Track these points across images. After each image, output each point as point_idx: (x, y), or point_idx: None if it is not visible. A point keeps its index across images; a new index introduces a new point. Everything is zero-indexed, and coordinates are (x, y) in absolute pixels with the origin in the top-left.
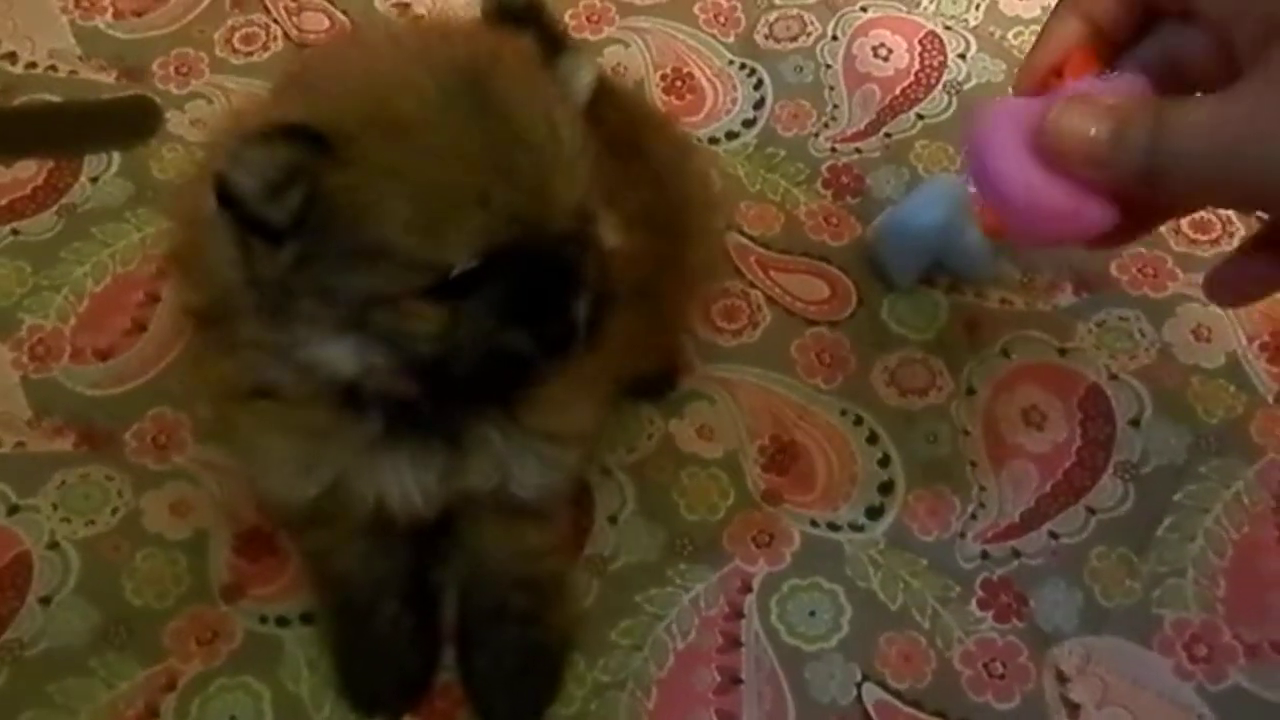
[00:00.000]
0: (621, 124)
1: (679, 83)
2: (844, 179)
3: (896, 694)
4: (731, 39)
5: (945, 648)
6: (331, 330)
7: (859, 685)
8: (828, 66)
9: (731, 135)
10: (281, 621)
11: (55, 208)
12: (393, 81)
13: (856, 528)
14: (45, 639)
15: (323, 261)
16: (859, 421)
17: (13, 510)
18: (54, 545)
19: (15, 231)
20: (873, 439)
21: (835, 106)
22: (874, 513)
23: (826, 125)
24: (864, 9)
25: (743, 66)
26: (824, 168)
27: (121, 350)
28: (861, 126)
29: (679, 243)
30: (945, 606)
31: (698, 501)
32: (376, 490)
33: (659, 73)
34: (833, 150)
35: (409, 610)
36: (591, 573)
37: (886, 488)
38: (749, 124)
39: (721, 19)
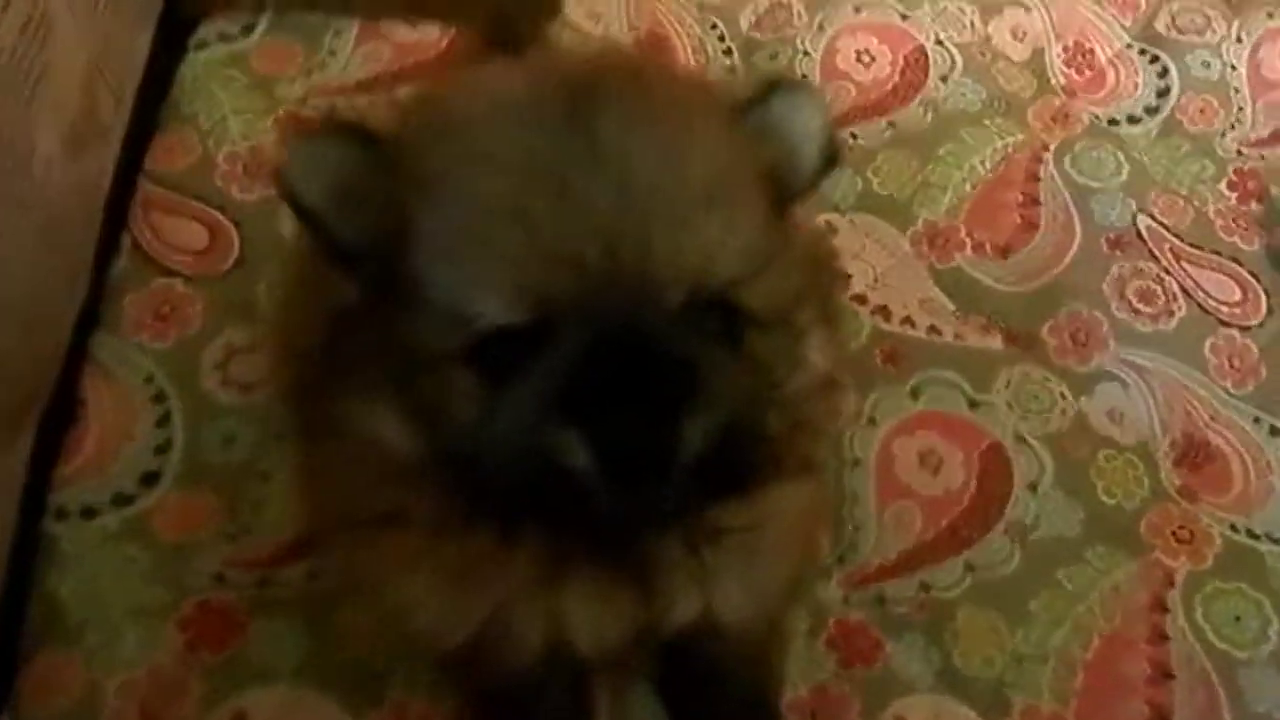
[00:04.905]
0: None
1: (1080, 58)
2: (1249, 184)
3: None
4: (1129, 22)
5: None
6: (381, 399)
7: None
8: (1233, 68)
9: (1133, 120)
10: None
11: None
12: (476, 89)
13: (1275, 540)
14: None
15: (384, 306)
16: (1275, 433)
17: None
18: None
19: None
20: None
21: (1240, 109)
22: None
23: (1233, 126)
24: (1270, 15)
25: (1143, 52)
26: (1230, 169)
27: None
28: (1265, 134)
29: None
30: None
31: (1114, 485)
32: (545, 633)
33: (1060, 44)
34: (1239, 153)
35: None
36: (1013, 539)
37: None
38: (1151, 111)
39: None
